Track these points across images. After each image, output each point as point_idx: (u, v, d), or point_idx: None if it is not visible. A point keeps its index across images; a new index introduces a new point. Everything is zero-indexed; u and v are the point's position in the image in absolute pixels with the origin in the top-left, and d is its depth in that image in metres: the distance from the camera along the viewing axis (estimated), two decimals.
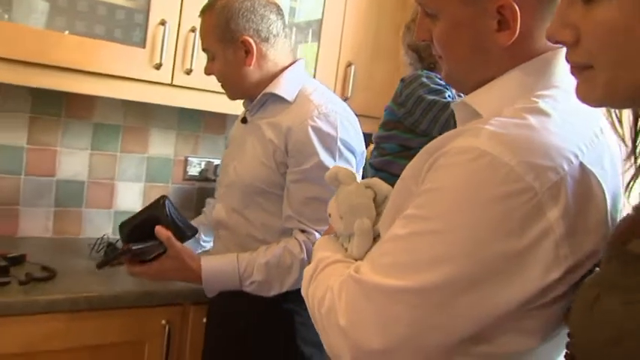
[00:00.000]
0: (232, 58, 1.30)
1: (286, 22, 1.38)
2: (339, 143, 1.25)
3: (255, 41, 1.29)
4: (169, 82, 1.59)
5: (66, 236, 1.79)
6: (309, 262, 0.85)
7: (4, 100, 1.67)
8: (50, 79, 1.45)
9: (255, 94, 1.33)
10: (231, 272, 1.25)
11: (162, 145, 1.96)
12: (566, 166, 0.61)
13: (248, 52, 1.29)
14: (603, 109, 0.69)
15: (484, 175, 0.61)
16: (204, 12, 1.34)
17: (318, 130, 1.24)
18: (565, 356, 0.62)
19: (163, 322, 1.40)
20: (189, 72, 1.61)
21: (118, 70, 1.52)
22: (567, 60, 0.59)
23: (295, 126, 1.25)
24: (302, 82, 1.34)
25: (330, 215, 0.87)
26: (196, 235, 1.38)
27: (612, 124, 0.66)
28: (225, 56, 1.31)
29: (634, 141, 0.57)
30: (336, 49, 1.89)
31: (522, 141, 0.62)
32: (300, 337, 1.28)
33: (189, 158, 2.00)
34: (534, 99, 0.66)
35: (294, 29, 2.00)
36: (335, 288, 0.70)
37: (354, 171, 1.22)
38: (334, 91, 1.70)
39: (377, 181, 0.86)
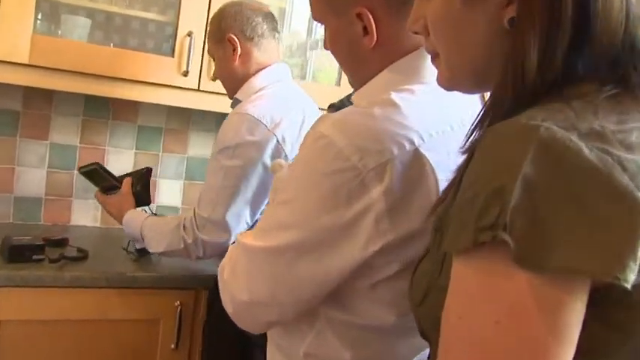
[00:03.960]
0: (222, 56, 1.48)
1: (277, 27, 1.51)
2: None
3: (239, 39, 1.44)
4: (196, 87, 1.76)
5: (110, 226, 2.00)
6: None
7: (60, 105, 1.92)
8: (90, 85, 1.65)
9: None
10: (136, 227, 1.58)
11: (200, 146, 2.13)
12: (395, 151, 0.67)
13: (234, 49, 1.45)
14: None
15: (319, 155, 0.69)
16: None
17: (224, 126, 1.47)
18: None
19: (176, 303, 1.55)
20: (214, 79, 1.76)
21: (150, 77, 1.70)
22: (427, 50, 0.66)
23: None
24: (261, 85, 1.46)
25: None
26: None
27: None
28: (218, 56, 1.49)
29: (474, 124, 0.61)
30: None
31: (356, 127, 0.68)
32: None
33: None
34: (391, 92, 0.72)
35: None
36: (229, 250, 0.81)
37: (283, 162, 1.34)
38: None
39: None
